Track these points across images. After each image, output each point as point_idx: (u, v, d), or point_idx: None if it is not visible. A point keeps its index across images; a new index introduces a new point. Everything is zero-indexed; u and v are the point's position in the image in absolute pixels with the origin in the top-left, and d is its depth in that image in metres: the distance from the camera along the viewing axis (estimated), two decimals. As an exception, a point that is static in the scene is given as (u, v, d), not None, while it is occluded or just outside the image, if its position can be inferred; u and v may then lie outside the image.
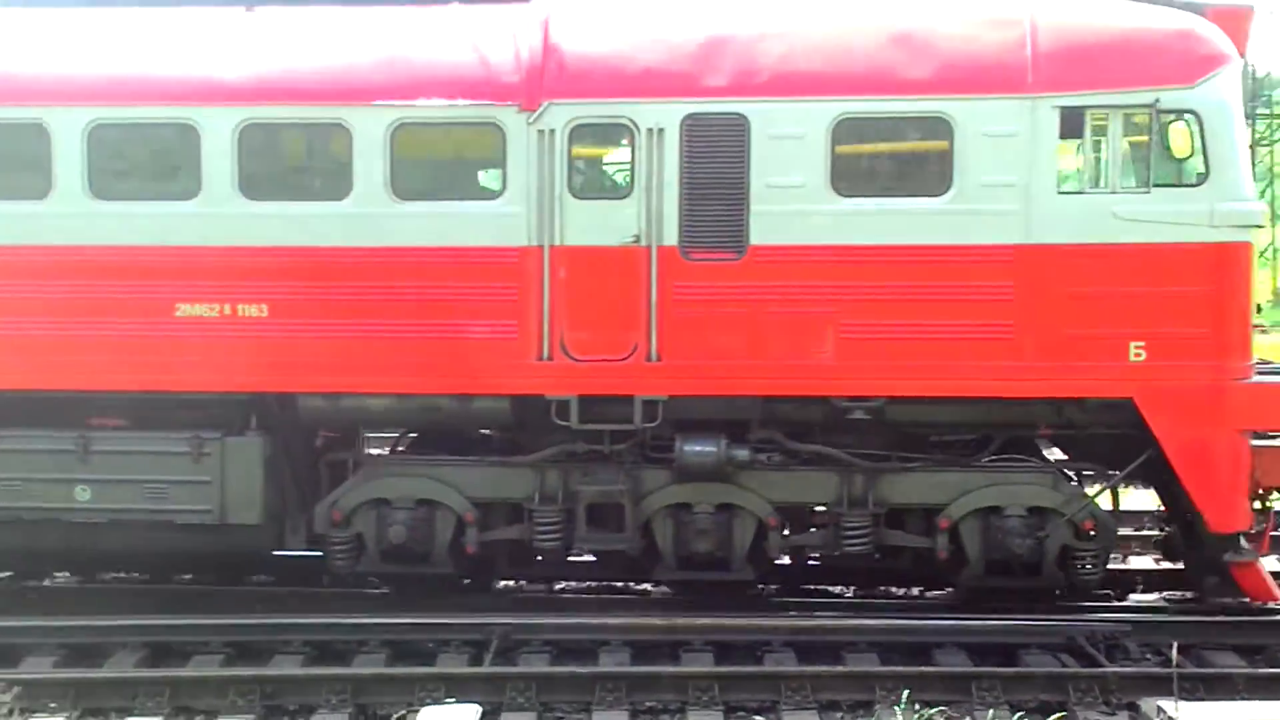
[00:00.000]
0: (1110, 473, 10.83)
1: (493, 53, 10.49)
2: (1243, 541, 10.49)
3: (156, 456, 10.66)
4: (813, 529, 10.97)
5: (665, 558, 10.87)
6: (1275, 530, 11.30)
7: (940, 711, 8.81)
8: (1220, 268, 10.05)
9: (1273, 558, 11.96)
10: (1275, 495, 10.86)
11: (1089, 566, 10.58)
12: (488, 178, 10.69)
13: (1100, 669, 9.45)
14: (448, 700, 8.84)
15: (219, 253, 10.48)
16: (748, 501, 10.69)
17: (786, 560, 11.50)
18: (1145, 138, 10.14)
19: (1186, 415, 10.03)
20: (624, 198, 10.34)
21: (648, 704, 9.17)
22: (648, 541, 10.87)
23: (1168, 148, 10.24)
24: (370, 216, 10.42)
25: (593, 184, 10.66)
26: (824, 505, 10.77)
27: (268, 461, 10.76)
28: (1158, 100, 10.00)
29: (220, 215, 10.49)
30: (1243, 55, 10.77)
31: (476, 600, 11.25)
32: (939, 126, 10.15)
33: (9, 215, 10.57)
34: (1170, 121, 10.14)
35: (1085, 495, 10.65)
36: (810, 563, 11.71)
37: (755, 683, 9.32)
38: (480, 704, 8.63)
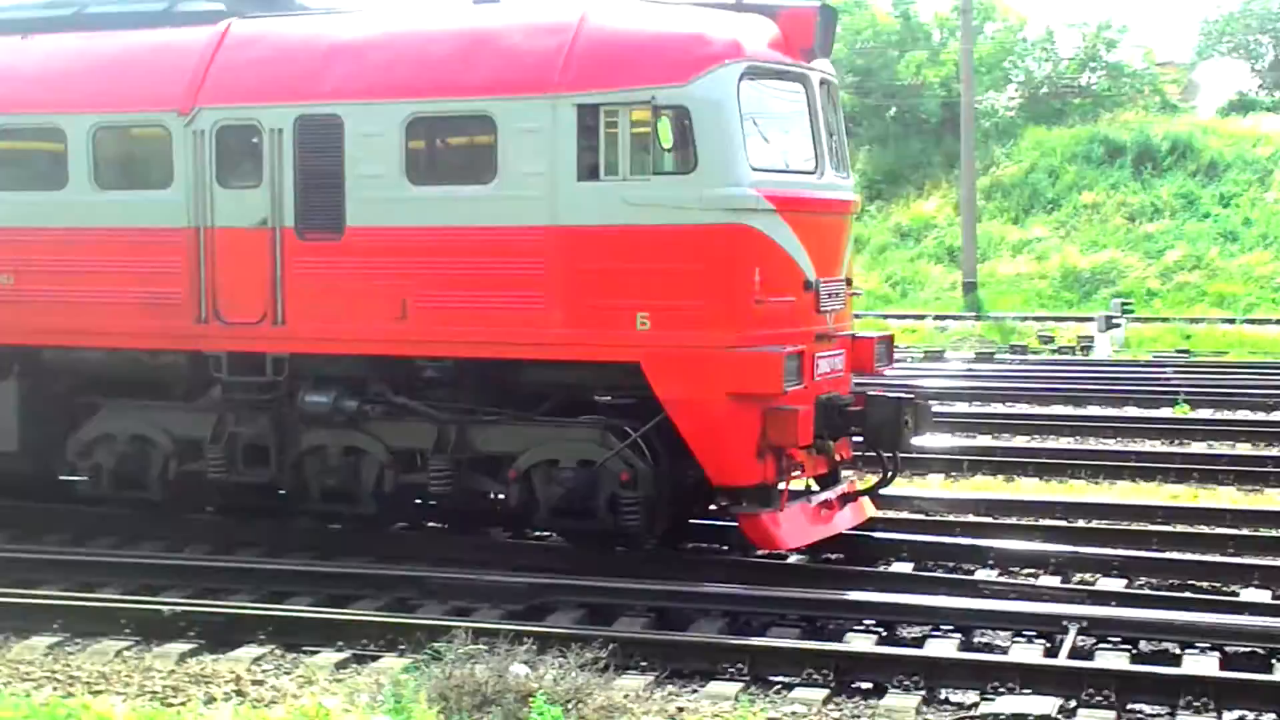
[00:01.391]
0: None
1: (169, 68, 12.57)
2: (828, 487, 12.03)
3: None
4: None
5: (311, 493, 12.42)
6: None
7: None
8: (710, 247, 10.97)
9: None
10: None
11: (633, 515, 11.34)
12: (161, 170, 12.53)
13: None
14: (1024, 691, 8.69)
15: None
16: (368, 445, 12.15)
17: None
18: (648, 130, 11.08)
19: (682, 379, 11.00)
20: (256, 187, 12.13)
21: (1238, 712, 8.64)
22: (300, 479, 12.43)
23: (661, 140, 11.15)
24: (81, 203, 12.75)
25: (234, 175, 12.29)
26: (424, 451, 11.98)
27: (22, 401, 13.13)
28: (654, 97, 10.99)
29: None
30: (813, 50, 11.72)
31: (1047, 590, 11.04)
32: (486, 124, 11.47)
33: None
34: (663, 115, 11.06)
35: (626, 450, 11.33)
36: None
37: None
38: (1055, 698, 8.43)
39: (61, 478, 13.76)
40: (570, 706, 8.17)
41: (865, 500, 12.61)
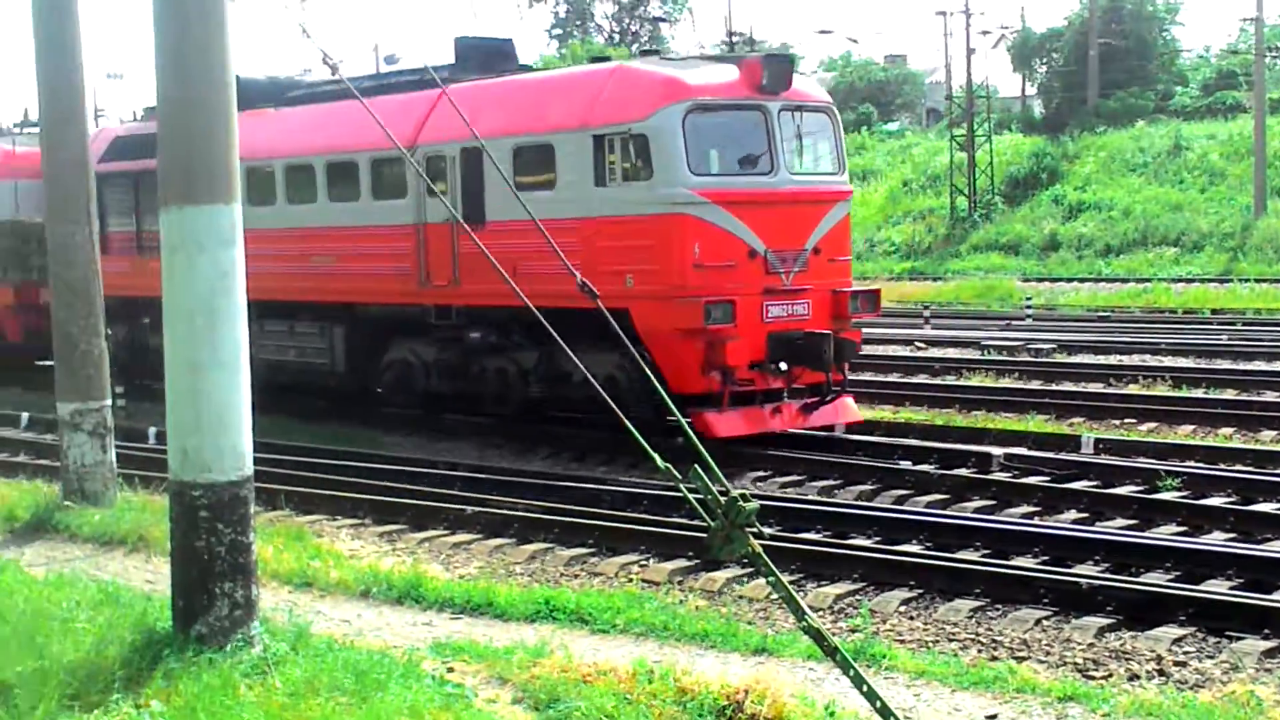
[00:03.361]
0: None
1: (408, 119, 18.66)
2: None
3: (311, 334, 20.57)
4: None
5: (484, 399, 18.67)
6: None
7: None
8: (662, 229, 16.02)
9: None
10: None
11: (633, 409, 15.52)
12: (401, 186, 19.01)
13: None
14: None
15: (323, 229, 19.86)
16: (509, 366, 18.23)
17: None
18: (627, 151, 16.34)
19: (650, 319, 15.96)
20: (445, 195, 17.91)
21: None
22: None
23: (633, 157, 16.29)
24: (365, 209, 19.33)
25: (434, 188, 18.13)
26: (532, 369, 17.94)
27: (347, 339, 20.20)
28: (629, 129, 16.23)
29: (321, 210, 20.06)
30: (765, 87, 16.53)
31: None
32: (550, 150, 16.98)
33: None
34: (634, 141, 16.23)
35: (627, 366, 16.22)
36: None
37: None
38: None
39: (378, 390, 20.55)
40: None
41: (843, 405, 17.23)
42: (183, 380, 8.11)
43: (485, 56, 19.74)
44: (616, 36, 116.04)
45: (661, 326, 15.90)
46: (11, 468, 17.16)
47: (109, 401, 13.45)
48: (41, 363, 26.74)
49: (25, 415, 21.49)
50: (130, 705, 7.17)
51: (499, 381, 18.34)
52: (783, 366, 16.25)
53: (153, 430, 18.69)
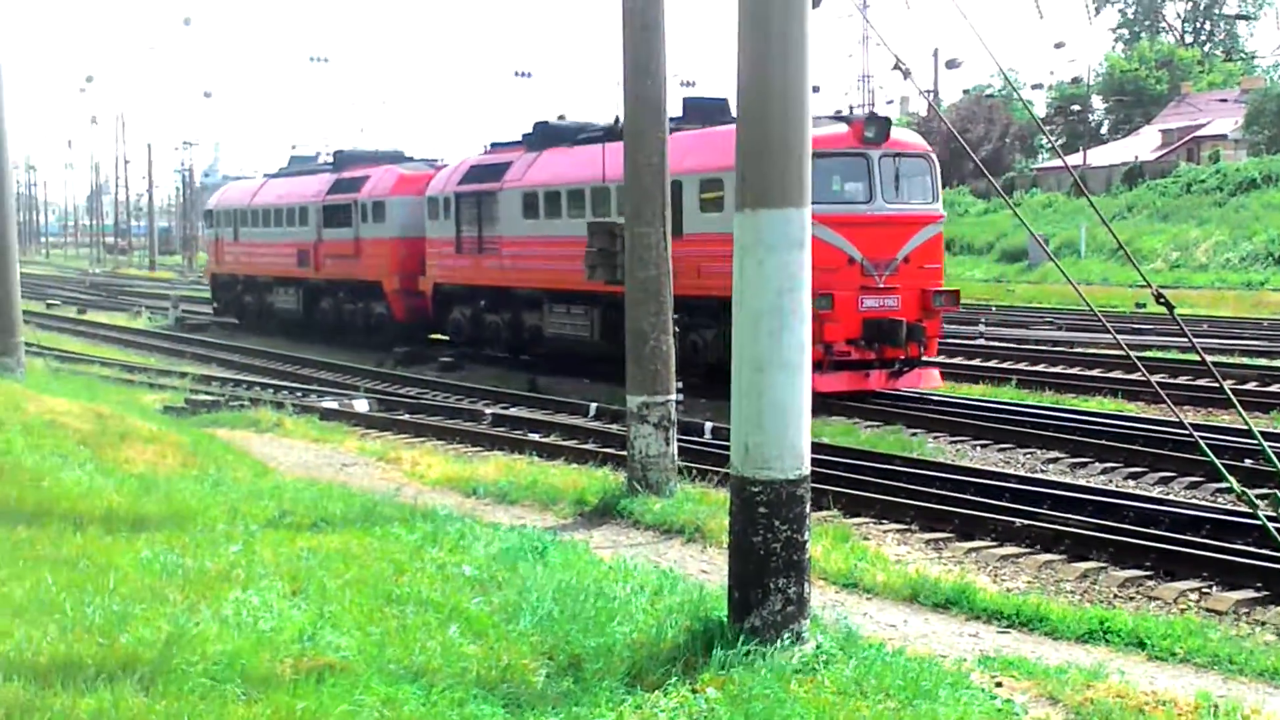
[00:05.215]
0: None
1: (614, 162, 22.75)
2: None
3: (579, 314, 26.87)
4: None
5: (683, 365, 21.38)
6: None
7: None
8: None
9: None
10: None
11: None
12: (602, 208, 25.58)
13: None
14: None
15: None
16: (697, 339, 23.79)
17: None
18: None
19: None
20: None
21: None
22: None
23: None
24: (572, 224, 26.35)
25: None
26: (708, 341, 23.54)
27: (603, 317, 25.69)
28: None
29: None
30: (868, 140, 22.28)
31: None
32: (721, 182, 22.52)
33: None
34: None
35: None
36: None
37: None
38: None
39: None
40: None
41: (926, 374, 22.77)
42: (747, 378, 8.35)
43: (704, 111, 25.70)
44: (1189, 36, 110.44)
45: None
46: (581, 454, 18.34)
47: (673, 396, 14.13)
48: (433, 336, 33.55)
49: (593, 405, 22.89)
50: (687, 689, 7.46)
51: (690, 351, 23.02)
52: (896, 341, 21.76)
53: (709, 425, 19.46)
